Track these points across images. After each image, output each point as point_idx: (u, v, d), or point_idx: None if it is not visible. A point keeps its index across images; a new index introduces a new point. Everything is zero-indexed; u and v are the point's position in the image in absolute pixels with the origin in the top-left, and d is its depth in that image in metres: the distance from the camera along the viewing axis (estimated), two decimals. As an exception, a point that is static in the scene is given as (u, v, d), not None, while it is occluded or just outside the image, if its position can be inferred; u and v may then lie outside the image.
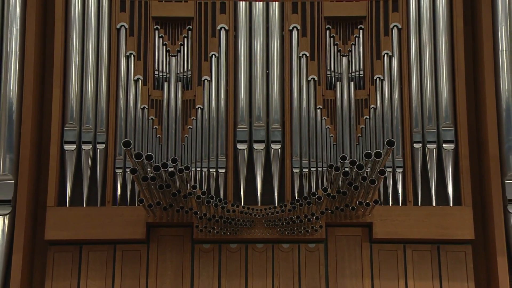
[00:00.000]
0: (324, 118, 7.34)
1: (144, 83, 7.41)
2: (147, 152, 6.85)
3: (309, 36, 7.49)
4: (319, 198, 6.52)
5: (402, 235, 7.07)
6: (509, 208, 7.02)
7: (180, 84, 7.43)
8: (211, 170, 7.18)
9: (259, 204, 7.09)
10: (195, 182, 7.08)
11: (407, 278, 7.07)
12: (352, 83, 7.45)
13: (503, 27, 7.30)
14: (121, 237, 7.03)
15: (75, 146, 7.22)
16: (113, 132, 7.30)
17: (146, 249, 7.11)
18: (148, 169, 6.18)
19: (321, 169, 7.18)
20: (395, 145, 6.00)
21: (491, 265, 7.05)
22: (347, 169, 6.30)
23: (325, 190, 6.51)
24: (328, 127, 7.32)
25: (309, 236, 7.03)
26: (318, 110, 7.35)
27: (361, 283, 7.06)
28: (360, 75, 7.48)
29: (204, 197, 6.55)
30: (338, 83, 7.45)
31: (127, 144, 5.75)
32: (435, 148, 7.23)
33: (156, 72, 7.49)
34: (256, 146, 7.23)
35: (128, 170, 6.88)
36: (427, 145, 7.25)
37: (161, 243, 7.13)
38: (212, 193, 7.04)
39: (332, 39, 7.56)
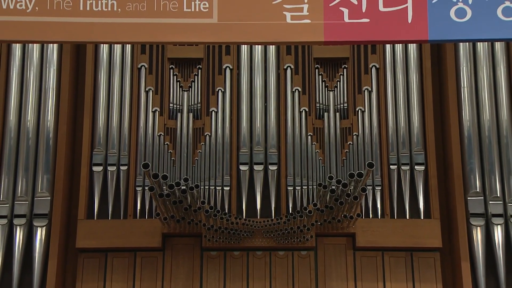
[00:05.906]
0: (314, 144, 7.52)
1: (161, 114, 7.60)
2: (163, 173, 7.04)
3: (301, 74, 7.70)
4: (309, 212, 6.72)
5: (381, 244, 7.21)
6: (471, 221, 7.17)
7: (191, 114, 7.62)
8: (217, 188, 7.33)
9: (258, 217, 7.24)
10: (204, 198, 7.24)
11: (385, 281, 7.21)
12: (337, 114, 7.62)
13: (464, 67, 7.52)
14: (141, 246, 7.19)
15: (102, 167, 7.42)
16: (134, 155, 7.47)
17: (162, 256, 7.24)
18: (164, 187, 6.39)
19: (311, 187, 7.31)
20: (374, 167, 6.27)
21: (456, 269, 7.24)
22: (333, 187, 6.50)
23: (315, 205, 6.75)
24: (317, 151, 7.49)
25: (301, 245, 7.19)
26: (309, 137, 7.52)
27: (346, 285, 7.19)
28: (345, 107, 7.67)
29: (211, 211, 6.74)
30: (325, 114, 7.63)
31: (146, 166, 5.97)
32: (408, 169, 7.39)
33: (171, 105, 7.68)
34: (256, 167, 7.39)
35: (147, 188, 6.99)
36: (402, 167, 7.40)
37: (175, 250, 7.27)
38: (219, 207, 7.19)
39: (320, 76, 7.77)
